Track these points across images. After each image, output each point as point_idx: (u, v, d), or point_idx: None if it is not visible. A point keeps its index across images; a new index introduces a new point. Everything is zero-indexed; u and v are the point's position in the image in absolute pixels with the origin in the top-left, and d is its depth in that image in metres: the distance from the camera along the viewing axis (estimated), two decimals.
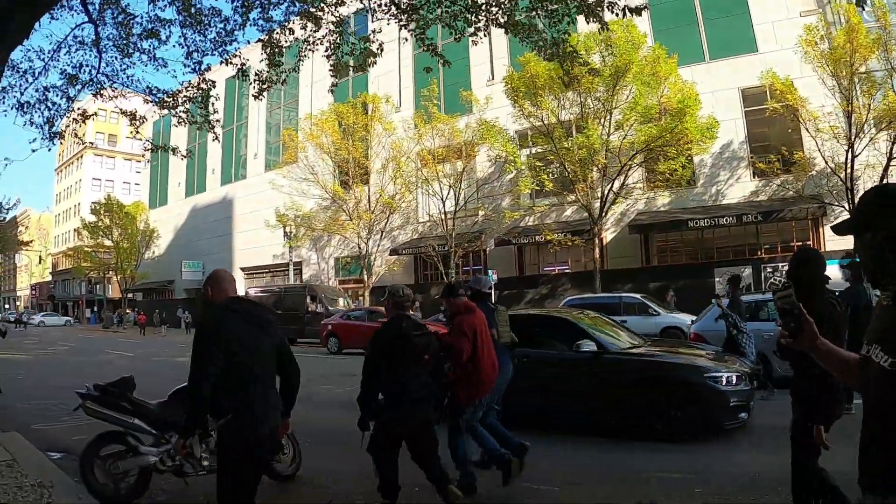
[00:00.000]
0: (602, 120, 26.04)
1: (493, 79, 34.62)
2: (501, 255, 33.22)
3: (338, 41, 11.15)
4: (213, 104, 12.51)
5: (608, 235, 29.69)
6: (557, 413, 9.20)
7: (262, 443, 4.06)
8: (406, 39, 11.89)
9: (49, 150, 12.21)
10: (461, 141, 31.05)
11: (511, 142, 28.79)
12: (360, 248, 34.34)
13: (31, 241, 74.41)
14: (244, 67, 11.25)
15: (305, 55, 11.21)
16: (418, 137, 32.49)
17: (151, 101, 12.60)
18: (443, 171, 31.46)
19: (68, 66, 11.65)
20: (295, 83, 46.83)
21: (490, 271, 29.32)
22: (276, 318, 4.45)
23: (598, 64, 24.39)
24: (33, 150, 12.17)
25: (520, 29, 9.88)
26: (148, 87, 12.28)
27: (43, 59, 11.58)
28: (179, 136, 58.51)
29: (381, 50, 10.85)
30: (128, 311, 58.23)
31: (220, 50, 11.26)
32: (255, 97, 11.60)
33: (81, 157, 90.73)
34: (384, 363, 5.41)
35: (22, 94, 11.43)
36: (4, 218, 45.94)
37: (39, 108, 11.57)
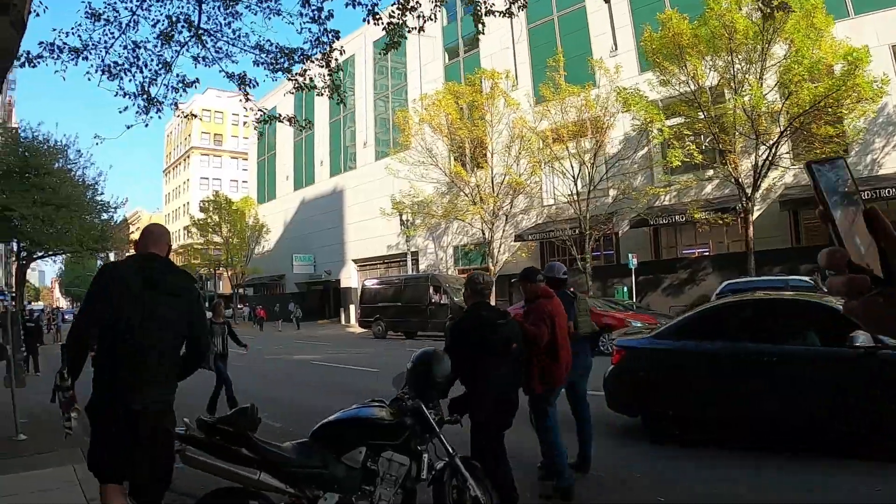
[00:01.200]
0: (758, 80, 23.10)
1: (615, 49, 31.91)
2: (635, 238, 30.52)
3: None
4: (336, 60, 10.27)
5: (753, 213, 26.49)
6: (803, 420, 7.29)
7: (132, 418, 3.64)
8: None
9: (146, 124, 10.19)
10: (594, 113, 28.43)
11: (656, 108, 25.82)
12: (483, 234, 32.23)
13: (129, 227, 76.21)
14: (375, 8, 9.11)
15: None
16: (544, 112, 30.12)
17: (262, 64, 10.25)
18: (573, 148, 29.07)
19: (161, 15, 9.66)
20: (401, 74, 45.48)
21: (630, 255, 26.79)
22: (193, 288, 4.17)
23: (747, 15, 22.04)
24: (128, 127, 10.04)
25: None
26: (258, 44, 10.13)
27: (129, 9, 9.52)
28: (286, 130, 58.34)
29: None
30: (240, 305, 58.28)
31: None
32: (386, 51, 9.68)
33: (188, 157, 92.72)
34: (463, 354, 5.06)
35: (107, 51, 9.45)
36: (112, 216, 46.19)
37: (130, 72, 9.70)
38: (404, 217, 34.69)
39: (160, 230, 4.28)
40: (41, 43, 8.91)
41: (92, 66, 9.50)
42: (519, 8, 8.97)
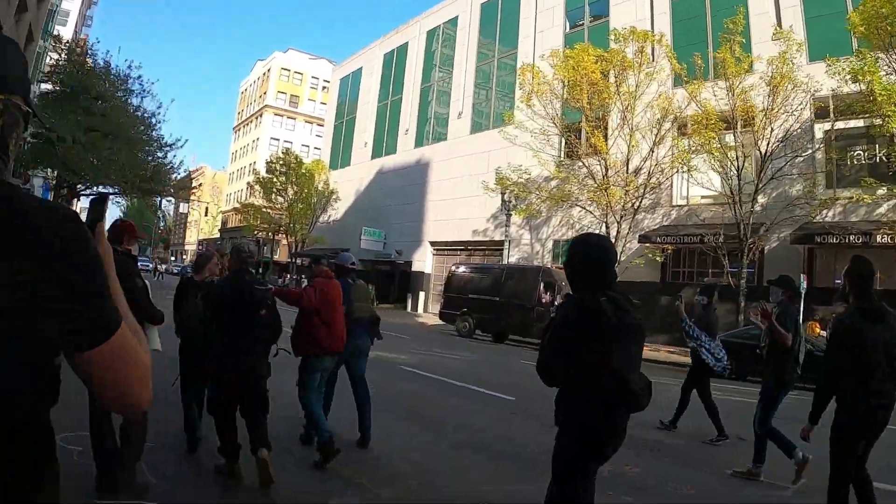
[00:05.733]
0: None
1: (779, 28, 25.59)
2: (784, 258, 24.49)
3: None
4: None
5: None
6: None
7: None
8: None
9: None
10: (782, 91, 22.29)
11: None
12: (606, 227, 26.25)
13: (199, 187, 72.05)
14: None
15: None
16: (695, 90, 24.14)
17: None
18: (735, 137, 23.22)
19: None
20: (511, 41, 39.88)
21: (802, 276, 20.81)
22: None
23: None
24: None
25: None
26: None
27: None
28: (369, 92, 53.57)
29: None
30: (297, 277, 53.68)
31: None
32: None
33: (261, 115, 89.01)
34: (222, 316, 5.63)
35: None
36: (167, 154, 41.37)
37: None
38: (506, 196, 29.06)
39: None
40: None
41: None
42: None
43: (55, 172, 36.39)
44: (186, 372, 6.40)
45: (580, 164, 27.53)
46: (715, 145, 23.22)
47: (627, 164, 25.92)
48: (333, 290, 6.82)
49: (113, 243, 4.69)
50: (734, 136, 23.22)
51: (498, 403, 10.33)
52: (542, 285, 22.57)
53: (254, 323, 5.59)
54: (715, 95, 23.35)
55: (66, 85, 34.92)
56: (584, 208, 27.14)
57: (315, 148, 77.86)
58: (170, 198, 48.42)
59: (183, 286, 6.74)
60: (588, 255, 3.46)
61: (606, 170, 26.01)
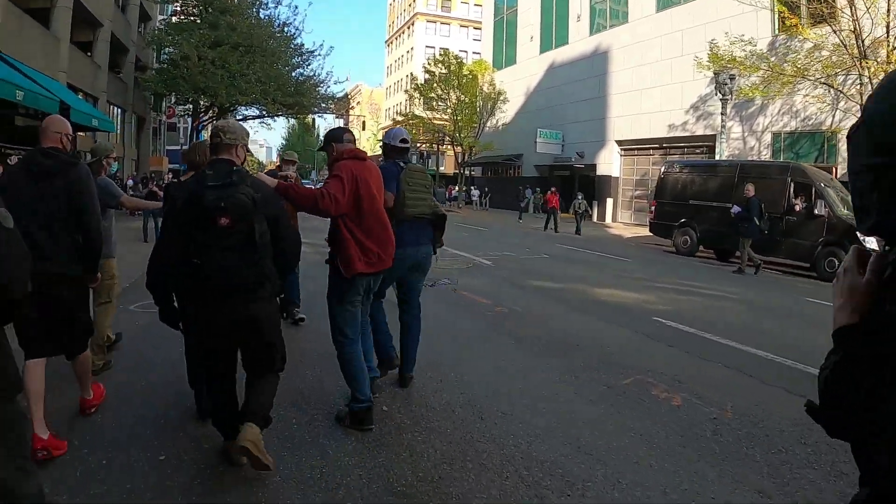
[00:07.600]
0: None
1: None
2: None
3: None
4: None
5: None
6: None
7: None
8: None
9: None
10: None
11: None
12: (861, 102, 20.65)
13: (358, 104, 70.01)
14: None
15: None
16: None
17: None
18: None
19: None
20: None
21: None
22: None
23: None
24: None
25: None
26: None
27: None
28: None
29: None
30: (469, 188, 50.69)
31: None
32: None
33: (412, 24, 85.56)
34: (182, 235, 3.61)
35: None
36: (310, 64, 38.55)
37: None
38: (722, 78, 23.89)
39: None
40: None
41: None
42: None
43: (187, 98, 34.89)
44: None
45: (813, 32, 22.06)
46: None
47: (888, 27, 20.04)
48: (373, 176, 4.68)
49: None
50: None
51: None
52: (792, 187, 17.80)
53: (219, 245, 3.54)
54: None
55: (195, 6, 33.31)
56: (833, 86, 21.66)
57: (474, 52, 73.46)
58: (322, 115, 45.88)
59: (167, 194, 4.47)
60: None
61: (860, 34, 20.24)
